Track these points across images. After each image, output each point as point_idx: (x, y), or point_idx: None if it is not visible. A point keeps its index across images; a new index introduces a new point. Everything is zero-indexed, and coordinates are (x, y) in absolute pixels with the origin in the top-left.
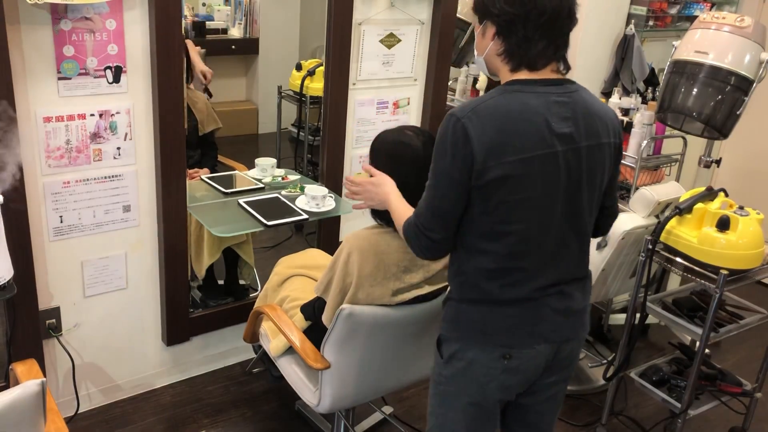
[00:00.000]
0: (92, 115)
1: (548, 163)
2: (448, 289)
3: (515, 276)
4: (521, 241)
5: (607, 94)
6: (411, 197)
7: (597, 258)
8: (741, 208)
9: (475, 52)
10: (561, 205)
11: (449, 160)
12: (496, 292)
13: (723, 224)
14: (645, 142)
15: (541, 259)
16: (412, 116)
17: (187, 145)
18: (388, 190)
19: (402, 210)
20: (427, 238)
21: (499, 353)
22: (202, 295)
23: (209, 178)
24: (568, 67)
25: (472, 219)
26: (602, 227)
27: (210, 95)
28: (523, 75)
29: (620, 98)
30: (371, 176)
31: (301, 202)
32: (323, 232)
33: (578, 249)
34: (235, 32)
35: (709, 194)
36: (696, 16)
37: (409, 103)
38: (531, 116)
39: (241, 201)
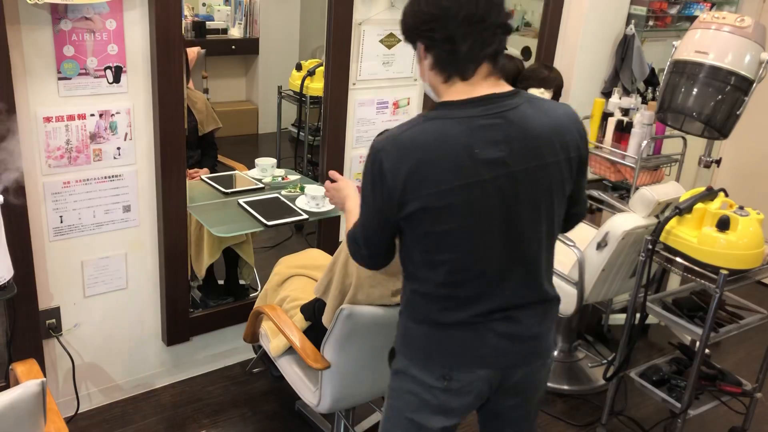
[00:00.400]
0: (92, 115)
1: (473, 192)
2: None
3: (454, 302)
4: (455, 271)
5: (607, 94)
6: None
7: (597, 258)
8: (741, 208)
9: (421, 80)
10: (498, 232)
11: (370, 191)
12: (437, 315)
13: (723, 224)
14: (645, 142)
15: (481, 286)
16: (412, 116)
17: (186, 145)
18: (346, 194)
19: (352, 217)
20: (359, 254)
21: (439, 374)
22: (202, 295)
23: (209, 178)
24: (502, 69)
25: (406, 247)
26: (565, 229)
27: None
28: (456, 91)
29: (620, 98)
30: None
31: (301, 202)
32: (323, 232)
33: (524, 275)
34: (235, 32)
35: (709, 194)
36: (696, 16)
37: (409, 103)
38: (448, 146)
39: (241, 201)
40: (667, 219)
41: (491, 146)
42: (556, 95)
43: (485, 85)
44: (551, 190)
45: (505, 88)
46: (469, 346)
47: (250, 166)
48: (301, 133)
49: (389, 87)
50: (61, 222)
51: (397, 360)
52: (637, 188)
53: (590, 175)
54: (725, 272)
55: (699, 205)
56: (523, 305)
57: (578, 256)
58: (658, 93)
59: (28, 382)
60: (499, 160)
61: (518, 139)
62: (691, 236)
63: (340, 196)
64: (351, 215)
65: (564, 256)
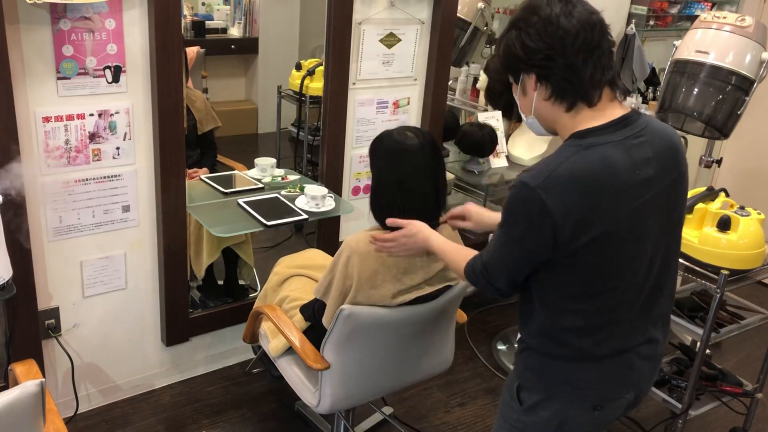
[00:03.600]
0: (91, 114)
1: (639, 216)
2: (519, 336)
3: (608, 330)
4: (614, 299)
5: None
6: (408, 197)
7: None
8: (742, 208)
9: (522, 116)
10: (652, 252)
11: (522, 230)
12: (590, 348)
13: (724, 224)
14: None
15: (634, 309)
16: (412, 116)
17: (186, 144)
18: (425, 235)
19: (451, 252)
20: (495, 289)
21: (590, 405)
22: (202, 295)
23: (209, 178)
24: (625, 91)
25: (558, 282)
26: None
27: None
28: (586, 117)
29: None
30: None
31: (301, 202)
32: (323, 232)
33: (670, 290)
34: (235, 32)
35: (710, 194)
36: (697, 16)
37: (409, 103)
38: (615, 172)
39: (240, 201)
40: None
41: (646, 165)
42: None
43: (610, 108)
44: (685, 201)
45: (626, 109)
46: (620, 374)
47: (250, 165)
48: (300, 132)
49: (389, 87)
50: (60, 222)
51: (531, 395)
52: None
53: None
54: (726, 272)
55: (700, 205)
56: (657, 324)
57: None
58: (658, 93)
59: (27, 382)
60: (653, 178)
61: (661, 154)
62: (691, 236)
63: (417, 239)
64: (448, 251)
65: None
